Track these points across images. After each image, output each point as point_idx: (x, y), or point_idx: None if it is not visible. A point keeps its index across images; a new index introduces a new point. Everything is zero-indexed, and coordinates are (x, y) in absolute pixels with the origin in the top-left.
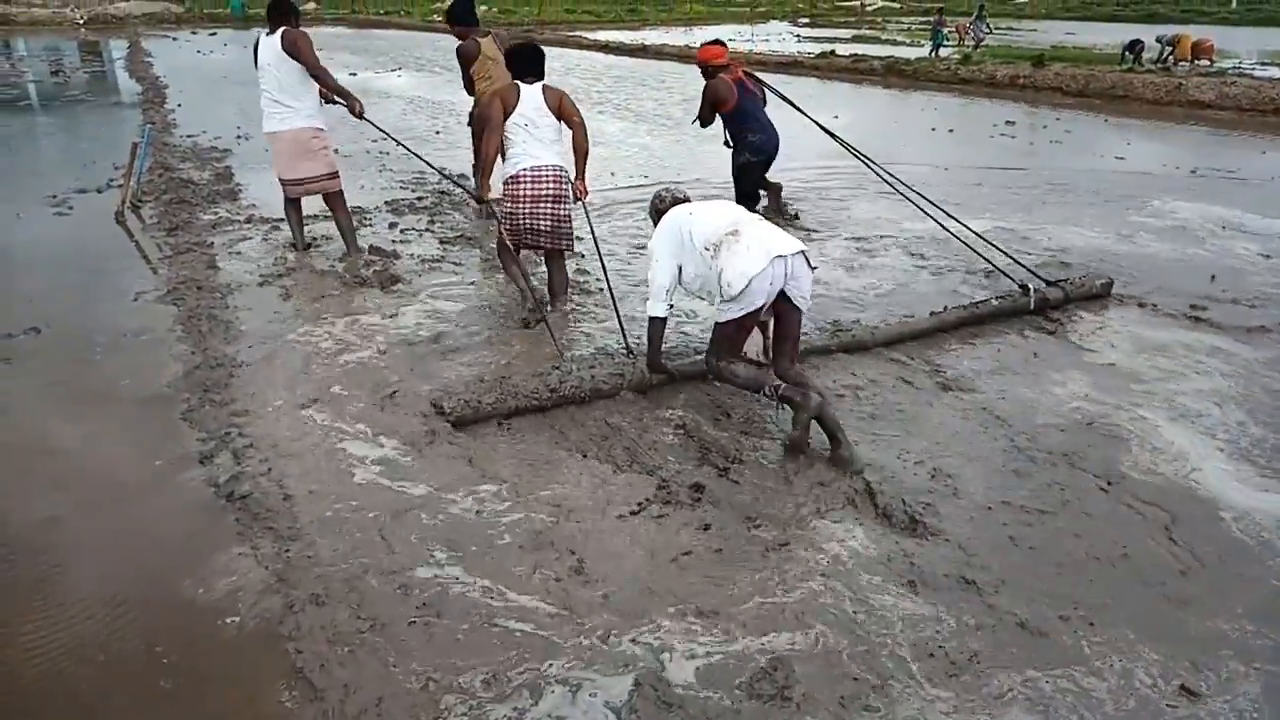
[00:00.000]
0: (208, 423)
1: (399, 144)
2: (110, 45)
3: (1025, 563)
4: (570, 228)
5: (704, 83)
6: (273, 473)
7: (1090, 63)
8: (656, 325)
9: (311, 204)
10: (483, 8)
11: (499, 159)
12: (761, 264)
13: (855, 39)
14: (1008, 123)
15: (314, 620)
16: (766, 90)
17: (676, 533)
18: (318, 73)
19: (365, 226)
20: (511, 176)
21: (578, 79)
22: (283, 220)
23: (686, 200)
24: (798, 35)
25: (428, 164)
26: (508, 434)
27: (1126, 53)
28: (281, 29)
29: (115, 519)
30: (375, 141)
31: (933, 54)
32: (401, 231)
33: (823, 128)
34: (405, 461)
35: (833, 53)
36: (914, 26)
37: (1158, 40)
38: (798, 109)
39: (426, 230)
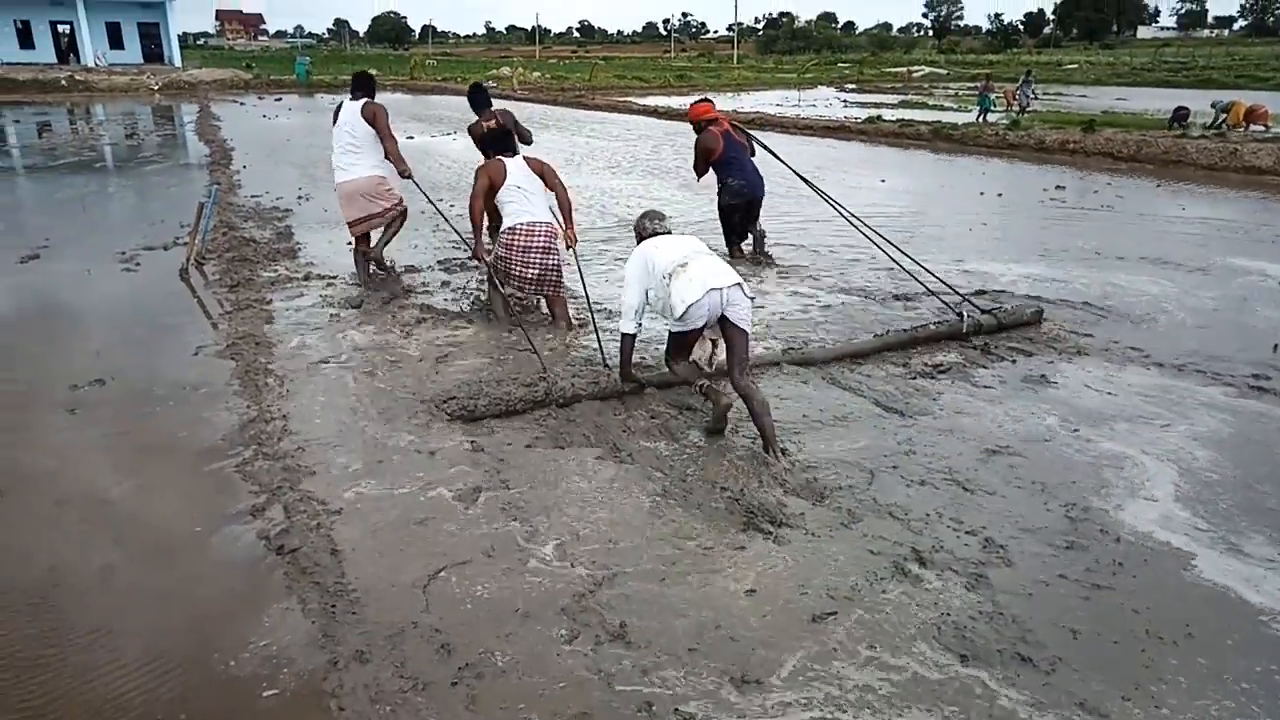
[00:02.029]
0: (260, 476)
1: (429, 200)
2: (182, 110)
3: (1083, 638)
4: (557, 275)
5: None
6: (321, 528)
7: (1142, 128)
8: (626, 341)
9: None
10: (535, 74)
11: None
12: (699, 294)
13: (901, 104)
14: (1058, 187)
15: (357, 678)
16: (755, 142)
17: (722, 597)
18: (387, 139)
19: (419, 285)
20: (508, 229)
21: (642, 148)
22: (337, 277)
23: (667, 233)
24: (844, 101)
25: (444, 217)
26: (555, 488)
27: (1174, 123)
28: (364, 100)
29: (168, 569)
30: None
31: (979, 119)
32: (452, 290)
33: (801, 176)
34: (451, 517)
35: (879, 118)
36: (961, 92)
37: (1212, 106)
38: (777, 158)
39: (478, 289)
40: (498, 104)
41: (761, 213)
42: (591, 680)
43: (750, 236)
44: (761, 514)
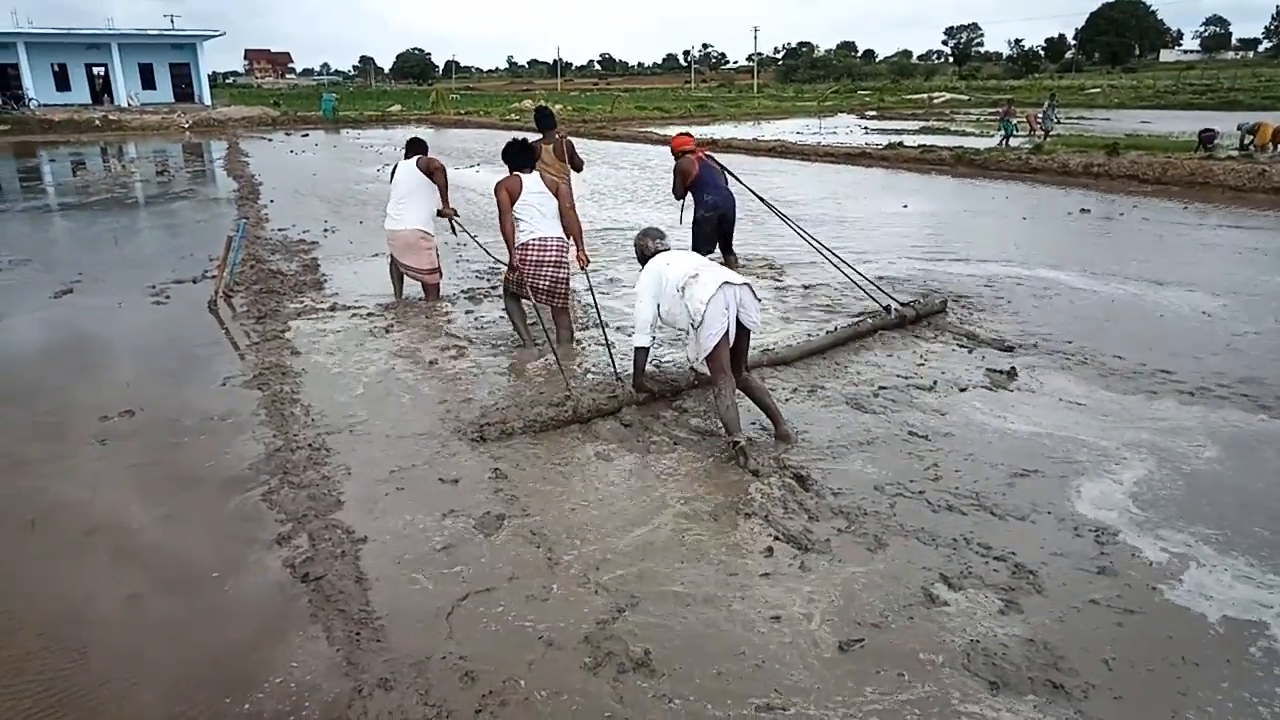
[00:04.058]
0: (286, 505)
1: (461, 228)
2: (211, 147)
3: (1117, 666)
4: (566, 287)
5: (674, 164)
6: (346, 555)
7: (1167, 150)
8: (641, 353)
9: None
10: (557, 107)
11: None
12: (712, 290)
13: (923, 130)
14: (1083, 210)
15: (381, 706)
16: (726, 170)
17: (747, 624)
18: (441, 187)
19: (443, 315)
20: (521, 244)
21: (665, 179)
22: (363, 308)
23: (667, 249)
24: (865, 128)
25: (476, 242)
26: (578, 514)
27: (1201, 145)
28: (418, 156)
29: (195, 597)
30: (454, 234)
31: (1004, 144)
32: (477, 319)
33: (760, 198)
34: (475, 544)
35: (901, 144)
36: (982, 118)
37: (1239, 128)
38: (741, 183)
39: (501, 318)
40: (530, 136)
41: (738, 236)
42: (616, 708)
43: (724, 255)
44: (787, 539)
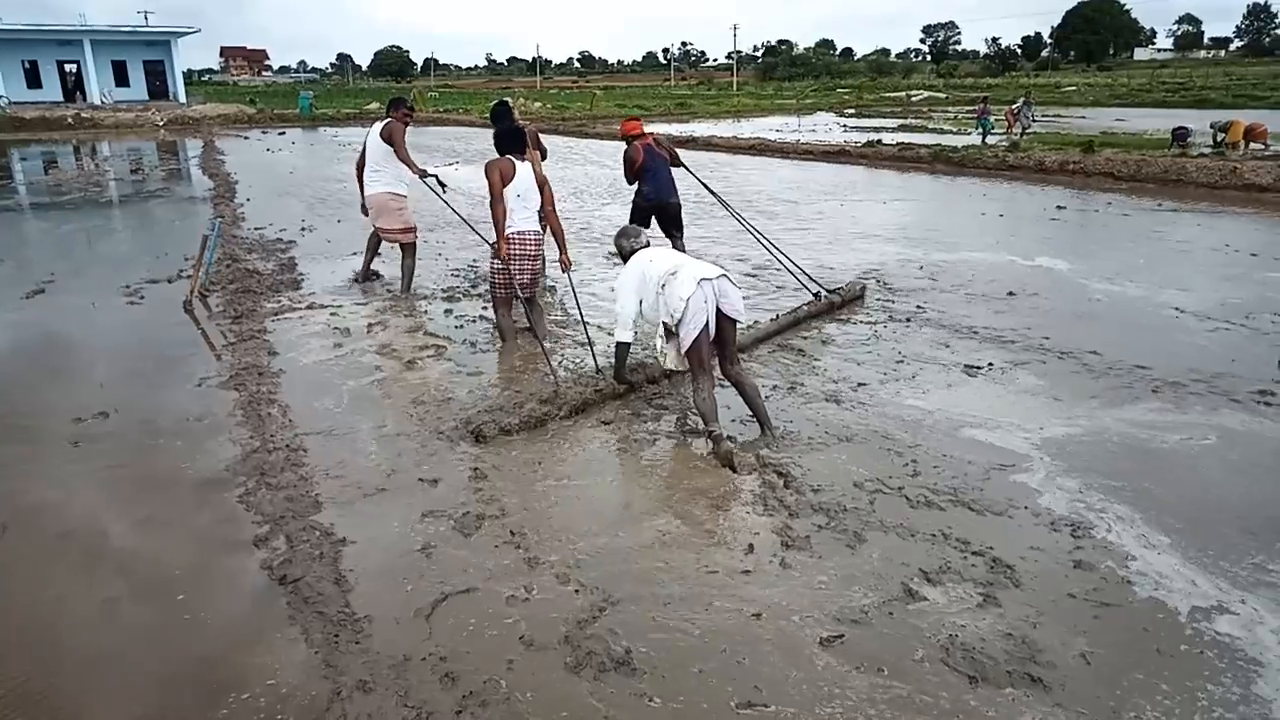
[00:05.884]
0: (263, 506)
1: (440, 197)
2: (186, 145)
3: (1094, 658)
4: (540, 277)
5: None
6: (324, 557)
7: (1141, 148)
8: (622, 348)
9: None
10: (536, 104)
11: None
12: (691, 288)
13: (901, 128)
14: (1059, 206)
15: (361, 708)
16: (679, 161)
17: (728, 622)
18: (399, 151)
19: (422, 314)
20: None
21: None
22: (340, 306)
23: (646, 246)
24: (844, 125)
25: (460, 215)
26: (558, 514)
27: (1175, 142)
28: (388, 120)
29: (171, 600)
30: (432, 231)
31: (982, 141)
32: (456, 318)
33: (708, 188)
34: (455, 545)
35: (879, 142)
36: (960, 115)
37: (1211, 126)
38: (693, 174)
39: (480, 317)
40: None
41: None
42: (597, 708)
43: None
44: (767, 536)
